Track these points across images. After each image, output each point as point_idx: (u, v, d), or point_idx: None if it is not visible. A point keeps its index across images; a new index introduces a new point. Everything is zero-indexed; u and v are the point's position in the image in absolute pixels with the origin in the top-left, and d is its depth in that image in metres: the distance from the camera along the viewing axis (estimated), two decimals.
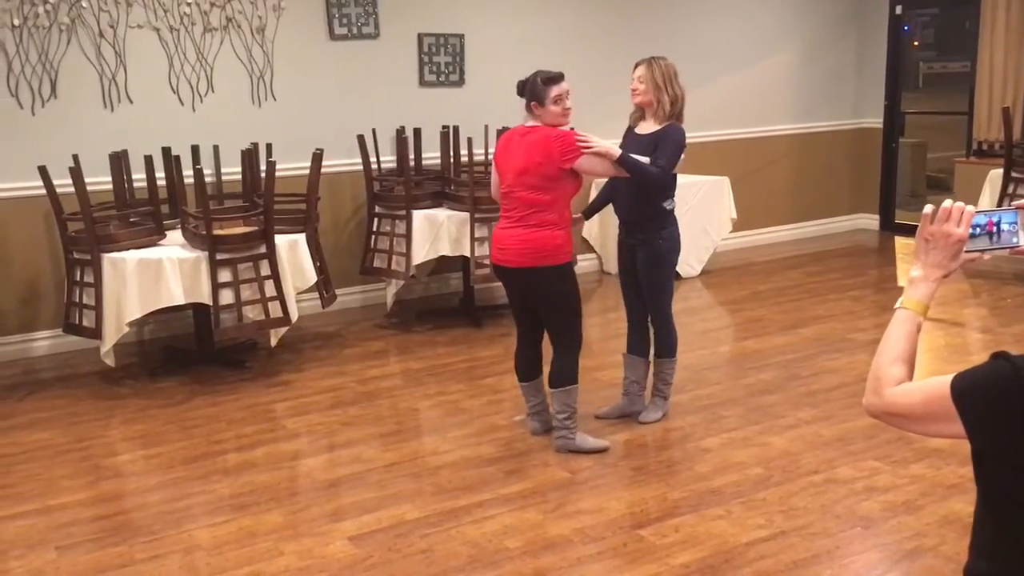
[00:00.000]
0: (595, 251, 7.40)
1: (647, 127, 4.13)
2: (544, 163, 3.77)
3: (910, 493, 3.55)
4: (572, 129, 3.91)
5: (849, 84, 8.58)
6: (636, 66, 4.16)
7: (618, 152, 3.87)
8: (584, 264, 7.11)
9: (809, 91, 8.36)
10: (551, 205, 3.81)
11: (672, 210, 4.17)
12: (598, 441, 4.03)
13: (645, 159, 3.95)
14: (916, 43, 10.36)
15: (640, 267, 4.19)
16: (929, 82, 11.76)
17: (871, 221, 8.82)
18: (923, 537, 3.22)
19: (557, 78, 3.83)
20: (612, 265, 7.25)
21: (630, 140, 4.19)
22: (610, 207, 4.39)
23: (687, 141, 4.12)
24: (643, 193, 4.06)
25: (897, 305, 1.72)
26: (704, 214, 7.16)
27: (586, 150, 3.79)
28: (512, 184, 3.84)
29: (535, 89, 3.81)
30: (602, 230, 7.25)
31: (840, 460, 3.85)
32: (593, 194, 6.84)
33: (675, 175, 4.11)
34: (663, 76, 4.06)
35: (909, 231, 8.10)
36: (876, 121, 8.60)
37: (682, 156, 4.07)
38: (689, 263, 7.17)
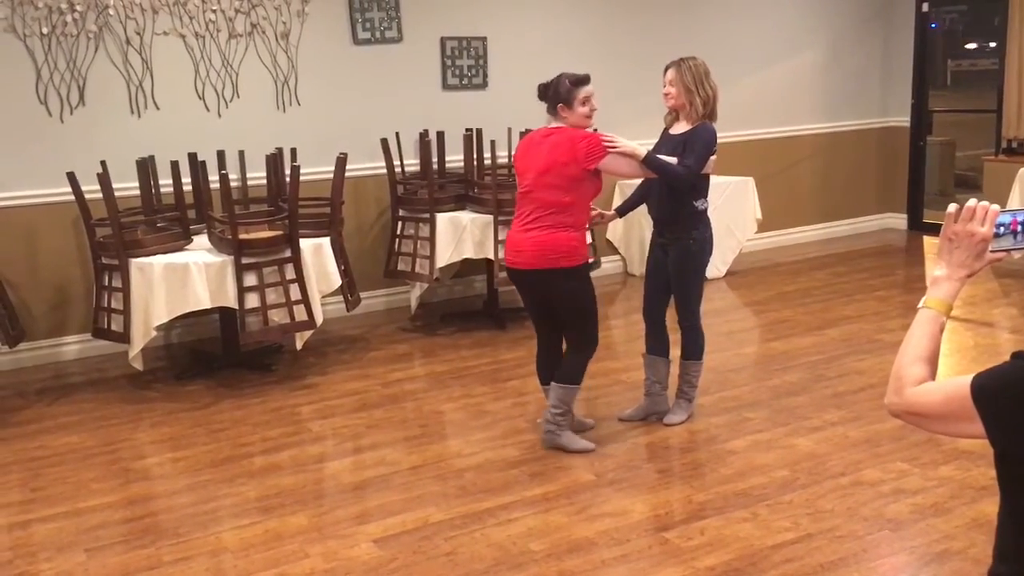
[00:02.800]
0: (619, 253, 7.37)
1: (680, 127, 4.13)
2: (569, 163, 3.77)
3: (939, 495, 3.51)
4: (596, 131, 3.91)
5: (875, 82, 8.50)
6: (666, 69, 4.15)
7: (643, 152, 3.86)
8: (608, 266, 7.10)
9: (835, 90, 8.30)
10: (570, 207, 3.81)
11: (705, 211, 4.15)
12: (585, 443, 4.02)
13: (673, 159, 3.94)
14: (943, 40, 10.25)
15: (670, 267, 4.19)
16: (957, 79, 11.63)
17: (899, 221, 8.73)
18: (952, 540, 3.19)
19: (585, 79, 3.85)
20: (635, 267, 7.24)
21: (663, 140, 4.19)
22: (643, 207, 4.39)
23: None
24: (674, 192, 4.05)
25: (920, 304, 1.71)
26: (729, 215, 7.12)
27: (612, 150, 3.78)
28: (532, 185, 3.84)
29: (563, 91, 3.81)
30: (627, 232, 7.23)
31: (867, 462, 3.82)
32: (616, 196, 6.84)
33: (707, 175, 4.09)
34: (693, 77, 4.04)
35: (937, 231, 7.98)
36: (903, 119, 8.52)
37: (713, 156, 4.05)
38: (714, 264, 7.12)
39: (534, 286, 3.94)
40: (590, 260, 4.21)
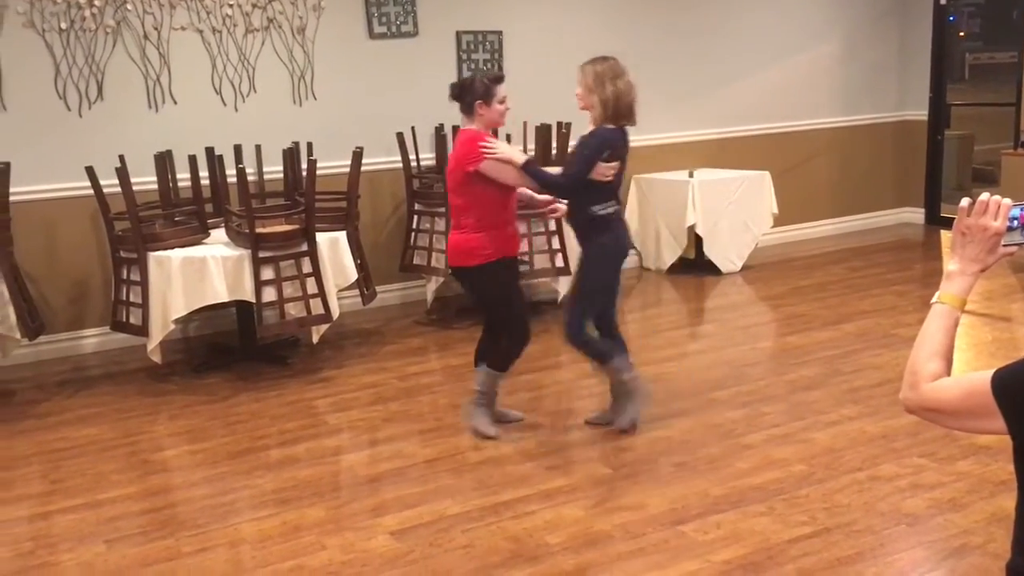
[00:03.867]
0: (635, 248, 7.36)
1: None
2: (455, 168, 3.93)
3: (957, 490, 3.50)
4: (494, 133, 4.02)
5: (893, 76, 8.46)
6: None
7: (522, 159, 3.89)
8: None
9: (852, 83, 8.25)
10: (466, 209, 3.93)
11: (609, 216, 3.95)
12: (489, 428, 4.12)
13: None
14: (962, 33, 10.17)
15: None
16: (975, 73, 11.54)
17: (916, 215, 8.69)
18: (970, 535, 3.18)
19: (501, 78, 4.00)
20: (651, 262, 7.23)
21: None
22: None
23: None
24: (573, 199, 4.01)
25: (934, 300, 1.70)
26: (745, 209, 7.10)
27: (488, 155, 3.83)
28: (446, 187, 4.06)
29: (482, 88, 3.90)
30: (643, 226, 7.22)
31: (884, 457, 3.81)
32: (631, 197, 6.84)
33: (613, 180, 3.89)
34: (595, 79, 3.87)
35: None
36: (921, 113, 8.46)
37: (611, 162, 3.84)
38: (730, 258, 7.12)
39: (459, 281, 4.24)
40: (513, 258, 4.11)
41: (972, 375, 1.56)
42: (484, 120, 3.93)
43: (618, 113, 3.89)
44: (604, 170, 3.86)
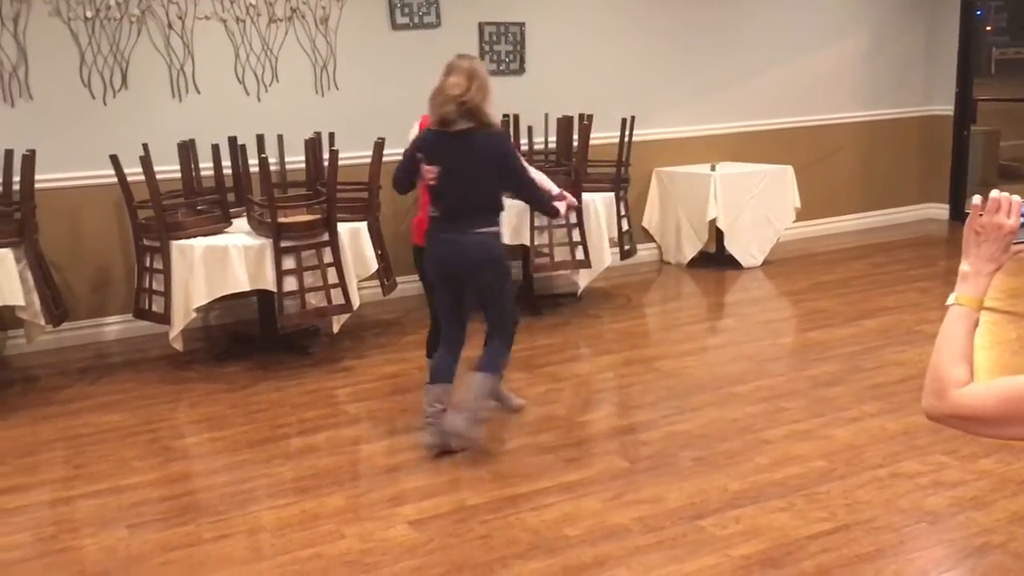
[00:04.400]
0: (655, 240, 7.34)
1: None
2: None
3: (979, 488, 3.47)
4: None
5: (919, 70, 8.37)
6: None
7: None
8: (643, 254, 7.05)
9: (877, 78, 8.18)
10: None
11: (433, 219, 3.89)
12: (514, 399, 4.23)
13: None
14: (989, 28, 10.06)
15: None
16: (1002, 68, 11.40)
17: (940, 211, 8.61)
18: (992, 533, 3.15)
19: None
20: (671, 255, 7.20)
21: None
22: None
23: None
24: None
25: (950, 302, 1.65)
26: (767, 203, 7.06)
27: None
28: None
29: None
30: (662, 219, 7.20)
31: (905, 454, 3.78)
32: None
33: (439, 186, 3.81)
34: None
35: None
36: (947, 108, 8.38)
37: (422, 161, 3.86)
38: (751, 253, 7.08)
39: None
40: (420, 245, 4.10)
41: (1008, 380, 1.51)
42: None
43: (431, 112, 3.84)
44: (425, 172, 3.81)
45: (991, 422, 1.53)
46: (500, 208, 3.89)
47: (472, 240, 3.78)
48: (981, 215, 1.64)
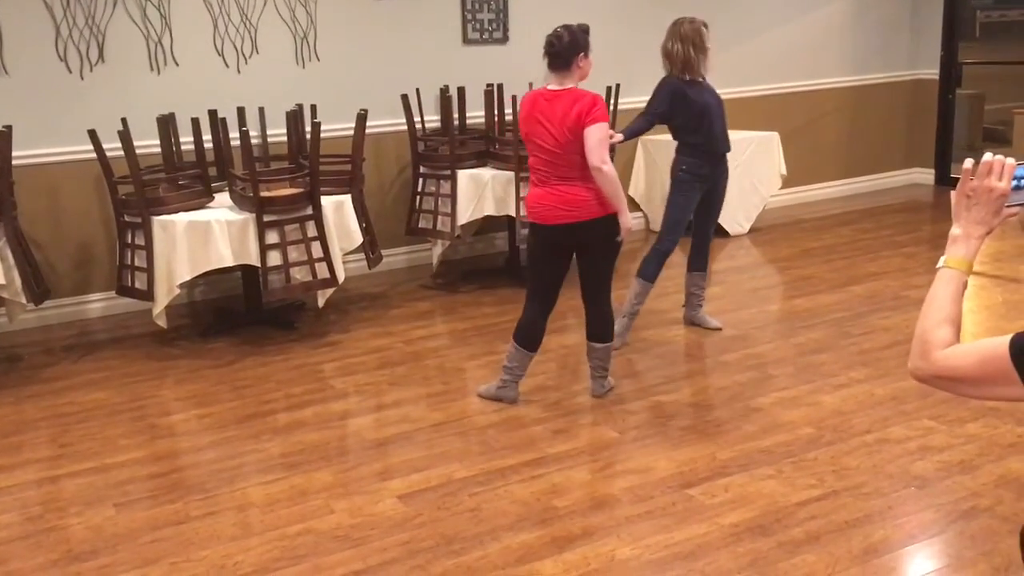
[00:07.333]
0: (641, 209, 7.31)
1: None
2: (576, 124, 3.80)
3: (966, 453, 3.48)
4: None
5: (903, 34, 8.33)
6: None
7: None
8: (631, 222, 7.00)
9: (862, 42, 8.14)
10: (584, 165, 3.88)
11: None
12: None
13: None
14: None
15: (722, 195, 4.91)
16: (987, 31, 11.37)
17: (926, 176, 8.61)
18: (979, 497, 3.17)
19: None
20: (658, 224, 7.15)
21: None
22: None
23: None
24: None
25: (940, 264, 1.66)
26: (753, 170, 7.03)
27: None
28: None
29: (585, 39, 3.86)
30: (648, 188, 7.16)
31: (893, 419, 3.79)
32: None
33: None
34: None
35: None
36: (932, 72, 8.36)
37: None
38: (737, 220, 7.07)
39: (580, 236, 4.05)
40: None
41: (988, 341, 1.52)
42: (581, 73, 3.86)
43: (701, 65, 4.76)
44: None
45: (973, 382, 1.55)
46: None
47: None
48: (972, 179, 1.63)
